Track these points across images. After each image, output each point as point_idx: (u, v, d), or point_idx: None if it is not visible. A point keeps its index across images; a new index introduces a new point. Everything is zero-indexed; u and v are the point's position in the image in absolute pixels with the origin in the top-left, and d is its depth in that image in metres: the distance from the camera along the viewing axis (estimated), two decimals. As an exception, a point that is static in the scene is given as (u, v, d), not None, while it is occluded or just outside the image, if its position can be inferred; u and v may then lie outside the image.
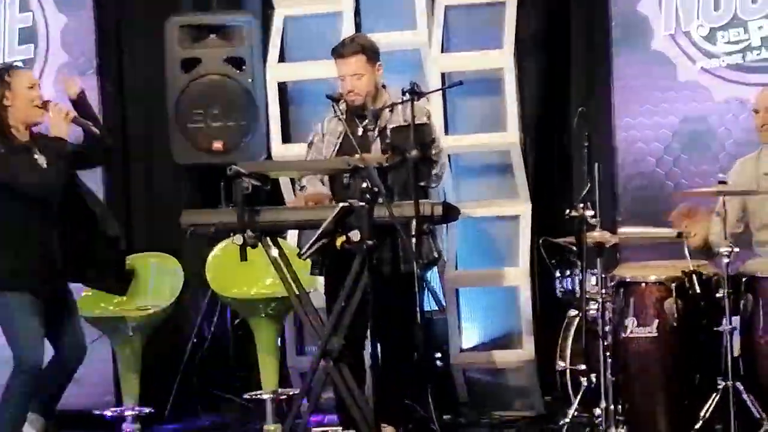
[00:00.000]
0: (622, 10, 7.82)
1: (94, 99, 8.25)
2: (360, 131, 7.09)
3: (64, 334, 6.91)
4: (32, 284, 6.72)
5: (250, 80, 8.13)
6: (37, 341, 6.73)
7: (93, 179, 8.20)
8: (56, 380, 6.94)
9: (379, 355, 6.67)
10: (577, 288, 7.07)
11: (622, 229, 7.16)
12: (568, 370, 7.23)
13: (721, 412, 6.45)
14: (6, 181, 6.65)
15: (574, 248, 6.99)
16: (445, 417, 7.51)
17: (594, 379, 6.86)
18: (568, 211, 6.90)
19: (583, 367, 6.98)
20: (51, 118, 6.73)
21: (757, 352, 6.53)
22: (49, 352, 6.93)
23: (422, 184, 6.93)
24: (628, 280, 6.78)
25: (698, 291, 6.65)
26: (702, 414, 6.44)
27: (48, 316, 6.79)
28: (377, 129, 7.09)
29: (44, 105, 6.74)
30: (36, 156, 6.74)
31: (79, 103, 6.91)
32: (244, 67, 8.14)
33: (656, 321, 6.64)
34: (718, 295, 6.55)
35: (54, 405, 6.98)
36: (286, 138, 8.26)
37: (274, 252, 6.89)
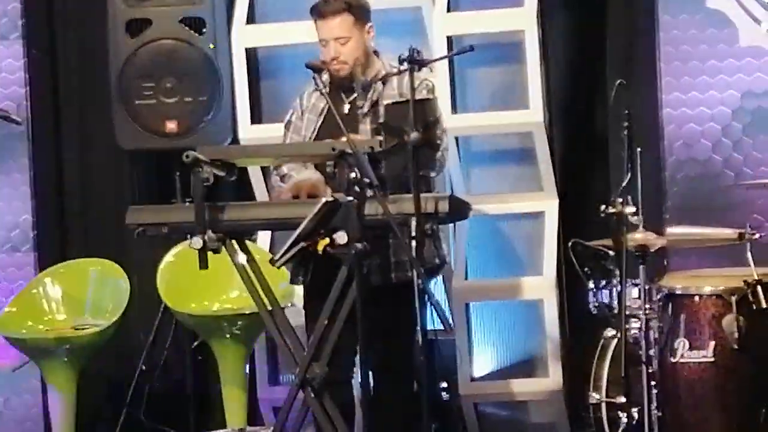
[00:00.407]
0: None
1: (19, 68, 8.26)
2: (346, 108, 7.08)
3: None
4: None
5: (211, 46, 8.14)
6: None
7: (16, 168, 8.22)
8: None
9: (371, 384, 6.71)
10: (615, 302, 7.09)
11: (671, 230, 7.16)
12: (603, 404, 7.22)
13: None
14: None
15: (611, 253, 7.02)
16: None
17: (636, 415, 6.89)
18: (603, 207, 6.92)
19: (622, 399, 6.98)
20: None
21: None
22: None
23: (423, 173, 6.88)
24: (678, 292, 6.82)
25: (764, 306, 6.65)
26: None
27: None
28: (368, 105, 7.08)
29: None
30: None
31: None
32: (204, 30, 8.15)
33: (713, 343, 6.68)
34: (790, 308, 6.57)
35: None
36: (257, 118, 8.29)
37: (242, 258, 6.87)
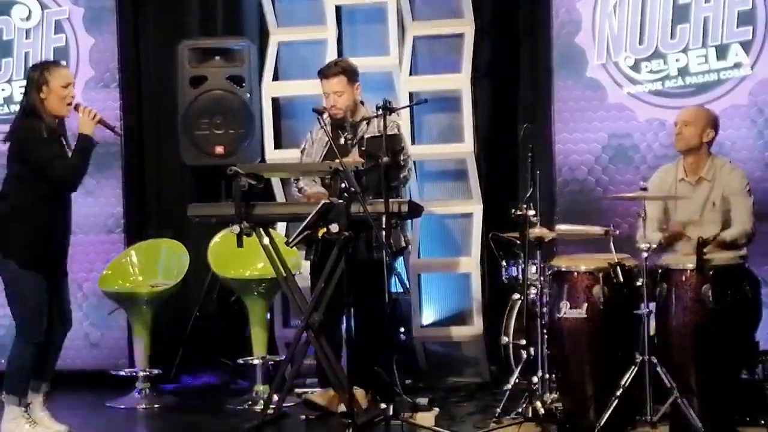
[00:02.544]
0: (562, 42, 7.78)
1: (115, 109, 8.23)
2: (342, 140, 7.05)
3: (55, 312, 6.66)
4: (46, 266, 6.55)
5: (248, 95, 8.07)
6: (43, 319, 6.54)
7: (113, 175, 8.21)
8: (48, 351, 6.67)
9: (353, 328, 6.72)
10: (520, 275, 7.03)
11: (559, 227, 7.11)
12: (510, 345, 7.20)
13: (638, 382, 6.41)
14: (43, 164, 6.49)
15: (518, 242, 6.94)
16: (407, 382, 7.48)
17: (532, 353, 6.81)
18: (513, 210, 6.85)
19: (523, 342, 6.93)
20: (80, 118, 6.57)
21: (669, 332, 6.49)
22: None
23: (392, 185, 6.91)
24: (563, 269, 6.71)
25: (621, 280, 6.59)
26: (622, 383, 6.39)
27: (52, 290, 6.61)
28: (355, 139, 7.08)
29: (76, 107, 6.60)
30: (64, 145, 6.61)
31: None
32: (243, 84, 8.07)
33: (586, 304, 6.57)
34: (637, 283, 6.51)
35: (49, 368, 6.75)
36: (278, 144, 8.20)
37: (266, 240, 6.86)
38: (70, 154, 6.55)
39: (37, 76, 6.57)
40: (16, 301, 6.56)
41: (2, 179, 6.74)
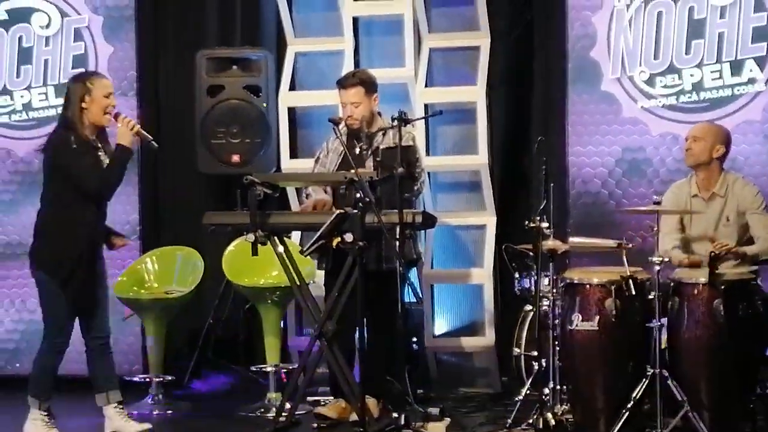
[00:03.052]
0: (577, 55, 7.78)
1: (133, 117, 8.23)
2: (357, 150, 7.06)
3: (93, 326, 6.74)
4: (74, 272, 6.58)
5: (264, 105, 8.07)
6: (69, 326, 6.63)
7: (129, 182, 8.20)
8: (92, 358, 6.76)
9: (366, 338, 6.74)
10: (533, 287, 7.03)
11: (572, 239, 7.10)
12: (522, 356, 7.20)
13: (649, 395, 6.43)
14: (73, 175, 6.54)
15: (531, 254, 6.95)
16: (418, 392, 7.44)
17: (544, 364, 6.82)
18: (526, 222, 6.86)
19: (535, 353, 6.93)
20: (119, 128, 6.61)
21: (680, 346, 6.51)
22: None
23: (406, 196, 6.90)
24: (575, 281, 6.72)
25: (633, 293, 6.59)
26: (633, 395, 6.42)
27: (83, 300, 6.65)
28: (371, 149, 7.08)
29: (115, 116, 6.63)
30: (101, 154, 6.64)
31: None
32: (260, 94, 8.08)
33: (598, 317, 6.59)
34: (649, 297, 6.51)
35: (102, 376, 6.81)
36: (294, 154, 8.20)
37: (280, 249, 6.89)
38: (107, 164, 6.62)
39: (80, 86, 6.61)
40: (44, 308, 6.65)
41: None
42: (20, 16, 8.51)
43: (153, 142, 6.76)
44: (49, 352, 6.65)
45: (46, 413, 6.66)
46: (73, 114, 6.57)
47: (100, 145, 6.66)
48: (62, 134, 6.59)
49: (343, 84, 7.19)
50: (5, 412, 7.31)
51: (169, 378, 7.82)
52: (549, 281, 6.88)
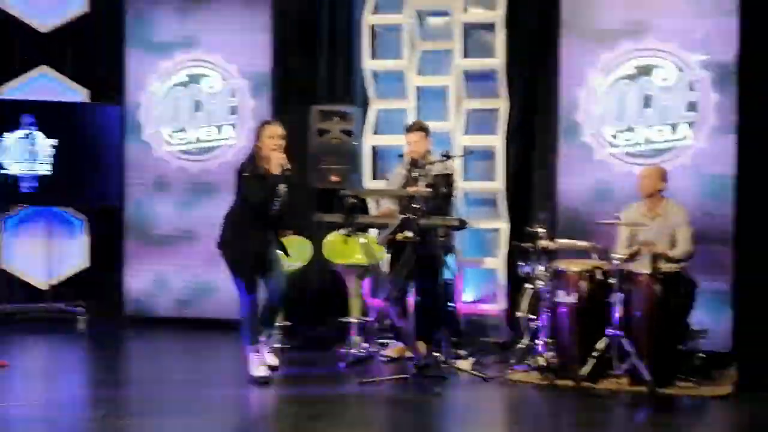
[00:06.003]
0: (566, 117, 7.71)
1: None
2: (415, 175, 7.04)
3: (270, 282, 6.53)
4: (250, 265, 6.40)
5: (355, 143, 8.06)
6: (256, 290, 6.43)
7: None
8: (267, 309, 6.54)
9: (418, 301, 6.77)
10: (532, 272, 6.99)
11: (559, 240, 7.07)
12: (523, 318, 7.08)
13: (609, 347, 6.41)
14: (244, 194, 6.39)
15: (531, 249, 6.92)
16: (452, 339, 7.42)
17: (538, 324, 6.79)
18: (529, 228, 6.88)
19: (532, 316, 6.91)
20: (273, 162, 6.39)
21: (631, 315, 6.47)
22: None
23: (447, 208, 6.93)
24: (560, 269, 6.70)
25: (600, 278, 6.58)
26: (598, 347, 6.41)
27: (263, 271, 6.46)
28: (425, 175, 7.08)
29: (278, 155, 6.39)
30: (280, 186, 6.38)
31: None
32: (352, 135, 8.05)
33: (575, 293, 6.57)
34: (611, 281, 6.49)
35: (272, 320, 6.65)
36: (373, 177, 8.19)
37: (363, 239, 6.92)
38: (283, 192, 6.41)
39: (258, 130, 6.52)
40: (232, 277, 6.39)
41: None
42: (195, 79, 8.62)
43: (287, 171, 6.47)
44: (244, 301, 6.35)
45: (257, 351, 6.45)
46: (254, 148, 6.44)
47: (282, 177, 6.35)
48: (244, 163, 6.44)
49: (408, 129, 7.23)
50: (190, 349, 7.38)
51: (288, 323, 7.80)
52: (543, 268, 6.86)
